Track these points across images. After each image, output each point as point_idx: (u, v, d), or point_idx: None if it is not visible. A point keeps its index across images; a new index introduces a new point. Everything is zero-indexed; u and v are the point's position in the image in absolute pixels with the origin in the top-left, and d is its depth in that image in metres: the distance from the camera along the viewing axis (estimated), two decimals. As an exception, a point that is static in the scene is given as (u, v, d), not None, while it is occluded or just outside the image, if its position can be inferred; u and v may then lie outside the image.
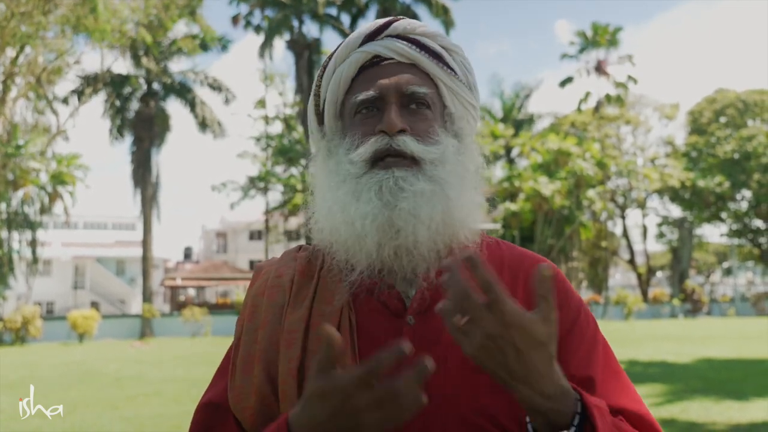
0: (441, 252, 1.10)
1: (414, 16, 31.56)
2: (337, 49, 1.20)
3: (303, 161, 34.40)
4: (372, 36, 1.17)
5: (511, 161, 40.19)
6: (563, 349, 1.05)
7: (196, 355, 18.22)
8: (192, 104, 32.11)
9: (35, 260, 27.76)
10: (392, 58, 1.16)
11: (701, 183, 38.67)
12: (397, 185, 1.07)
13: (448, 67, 1.18)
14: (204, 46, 31.22)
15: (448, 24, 31.41)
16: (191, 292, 44.97)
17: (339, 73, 1.18)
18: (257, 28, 32.21)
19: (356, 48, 1.17)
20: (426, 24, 1.19)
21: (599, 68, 39.30)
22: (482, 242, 1.18)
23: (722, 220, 43.02)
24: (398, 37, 1.17)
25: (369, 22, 1.20)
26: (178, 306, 38.33)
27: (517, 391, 0.89)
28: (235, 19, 32.31)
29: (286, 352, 1.06)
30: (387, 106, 1.11)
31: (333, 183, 1.13)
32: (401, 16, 1.20)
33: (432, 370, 0.80)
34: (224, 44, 31.59)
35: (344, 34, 33.83)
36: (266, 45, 31.26)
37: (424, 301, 1.09)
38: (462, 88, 1.19)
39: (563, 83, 39.91)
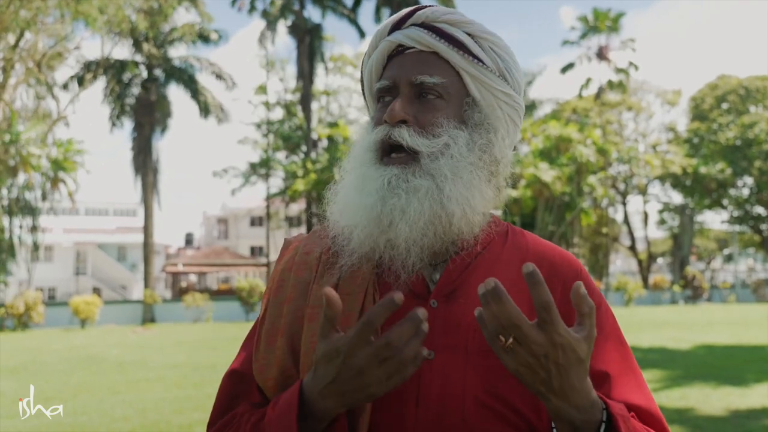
0: (450, 243, 1.13)
1: (416, 1, 31.37)
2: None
3: (304, 147, 34.28)
4: (398, 25, 1.19)
5: (512, 147, 40.08)
6: None
7: (197, 340, 18.29)
8: (193, 90, 31.97)
9: (36, 246, 27.75)
10: (414, 47, 1.17)
11: (703, 169, 38.59)
12: (394, 182, 1.10)
13: (471, 54, 1.15)
14: (202, 38, 31.07)
15: (449, 9, 31.16)
16: (192, 278, 45.05)
17: (371, 61, 1.22)
18: (264, 13, 31.97)
19: (384, 37, 1.20)
20: (455, 12, 1.17)
21: (601, 54, 39.14)
22: (507, 231, 1.21)
23: (723, 207, 42.99)
24: (421, 25, 1.17)
25: (400, 11, 1.21)
26: (179, 292, 38.41)
27: (550, 403, 0.93)
28: (238, 3, 32.14)
29: (309, 326, 1.09)
30: (399, 95, 1.14)
31: (351, 167, 1.18)
32: (429, 4, 1.21)
33: (424, 318, 0.85)
34: (217, 40, 31.44)
35: (347, 18, 33.64)
36: (272, 29, 31.08)
37: (447, 286, 1.12)
38: (490, 77, 1.16)
39: (565, 69, 39.76)
